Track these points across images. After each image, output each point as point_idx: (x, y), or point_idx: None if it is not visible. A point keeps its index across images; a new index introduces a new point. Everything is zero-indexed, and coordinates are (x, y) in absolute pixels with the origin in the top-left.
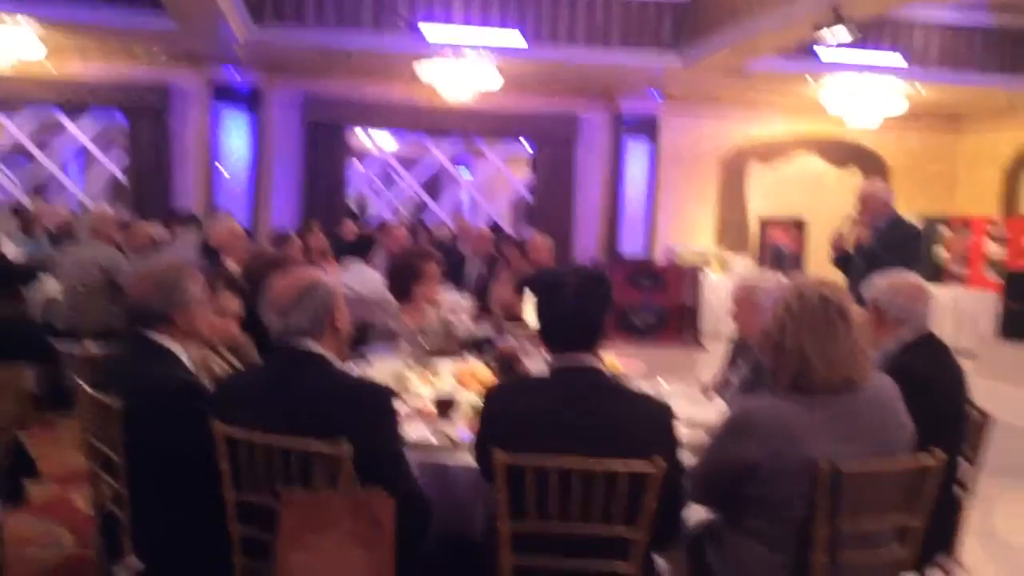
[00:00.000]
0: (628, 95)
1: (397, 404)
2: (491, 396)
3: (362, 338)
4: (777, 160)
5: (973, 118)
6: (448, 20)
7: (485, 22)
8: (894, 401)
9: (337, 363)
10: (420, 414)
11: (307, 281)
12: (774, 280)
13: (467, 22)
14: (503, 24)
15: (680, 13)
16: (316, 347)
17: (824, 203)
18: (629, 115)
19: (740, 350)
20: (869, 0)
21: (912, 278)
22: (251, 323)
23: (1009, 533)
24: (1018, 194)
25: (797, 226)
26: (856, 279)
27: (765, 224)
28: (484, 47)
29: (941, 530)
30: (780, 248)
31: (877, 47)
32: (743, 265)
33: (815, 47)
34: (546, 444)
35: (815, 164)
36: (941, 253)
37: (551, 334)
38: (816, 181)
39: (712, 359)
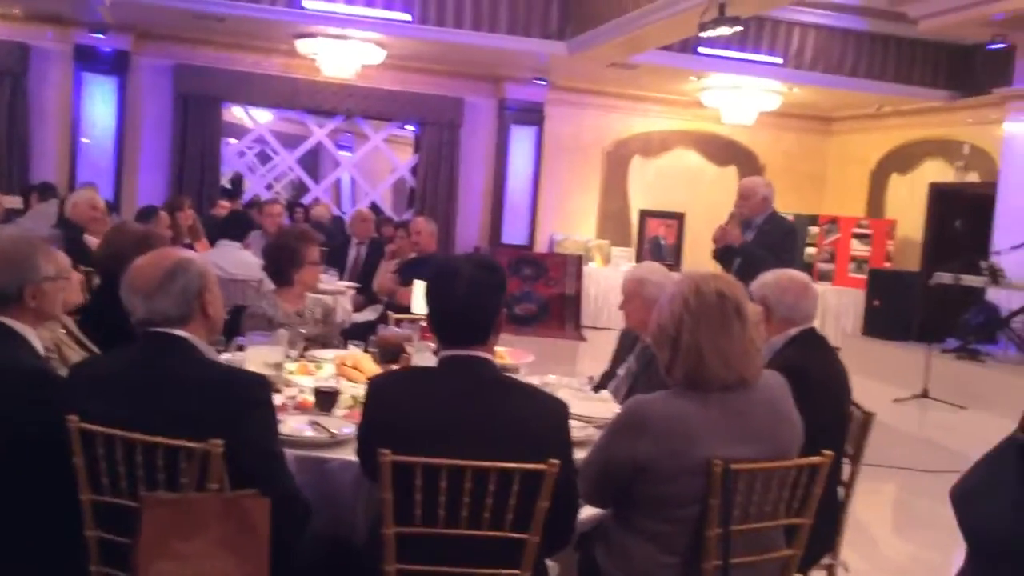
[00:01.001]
0: (514, 81)
1: (273, 395)
2: (375, 388)
3: (234, 323)
4: (658, 154)
5: (843, 120)
6: None
7: (371, 2)
8: (785, 399)
9: (207, 351)
10: (298, 406)
11: (174, 261)
12: (663, 273)
13: (351, 1)
14: (389, 6)
15: (568, 2)
16: (183, 333)
17: (702, 198)
18: (515, 101)
19: (627, 343)
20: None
21: (798, 275)
22: (109, 304)
23: (872, 524)
24: (883, 196)
25: (676, 219)
26: (735, 273)
27: (645, 216)
28: (369, 21)
29: (824, 529)
30: (659, 240)
31: (755, 47)
32: (624, 256)
33: (698, 45)
34: (435, 441)
35: (694, 159)
36: (810, 251)
37: (442, 326)
38: (695, 176)
39: (592, 349)
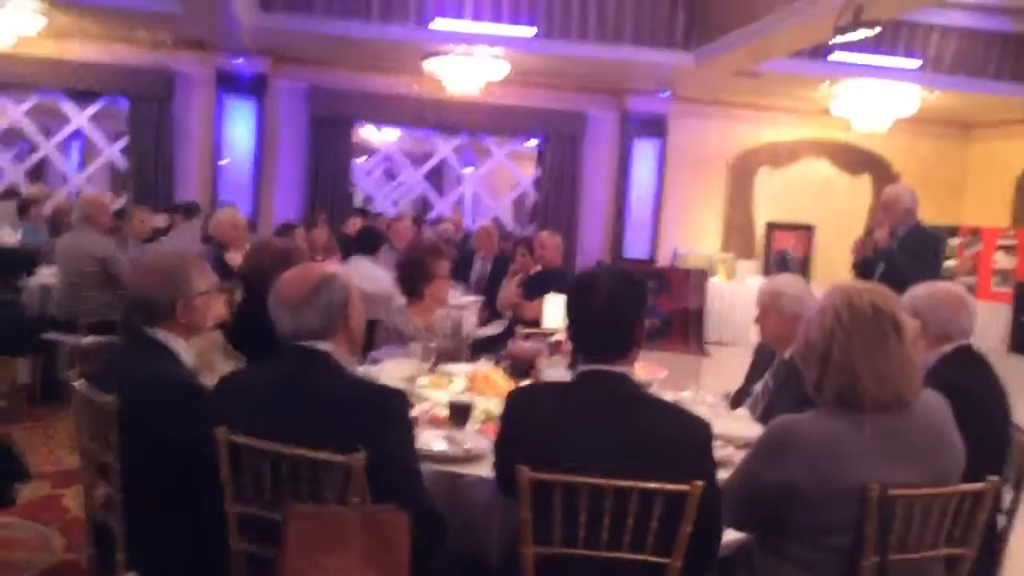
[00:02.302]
0: (637, 94)
1: (409, 404)
2: (514, 401)
3: (368, 338)
4: (786, 164)
5: (985, 125)
6: (459, 15)
7: (497, 18)
8: (946, 420)
9: (349, 365)
10: (432, 420)
11: (320, 275)
12: (801, 285)
13: (477, 18)
14: (515, 20)
15: (693, 10)
16: (327, 347)
17: (833, 208)
18: (637, 114)
19: (763, 359)
20: (887, 1)
21: (954, 288)
22: (253, 319)
23: None
24: None
25: (805, 231)
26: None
27: (772, 229)
28: (494, 38)
29: (982, 561)
30: (786, 253)
31: (891, 51)
32: (749, 270)
33: (829, 51)
34: (574, 458)
35: (824, 169)
36: (949, 263)
37: (581, 338)
38: (825, 186)
39: (716, 365)
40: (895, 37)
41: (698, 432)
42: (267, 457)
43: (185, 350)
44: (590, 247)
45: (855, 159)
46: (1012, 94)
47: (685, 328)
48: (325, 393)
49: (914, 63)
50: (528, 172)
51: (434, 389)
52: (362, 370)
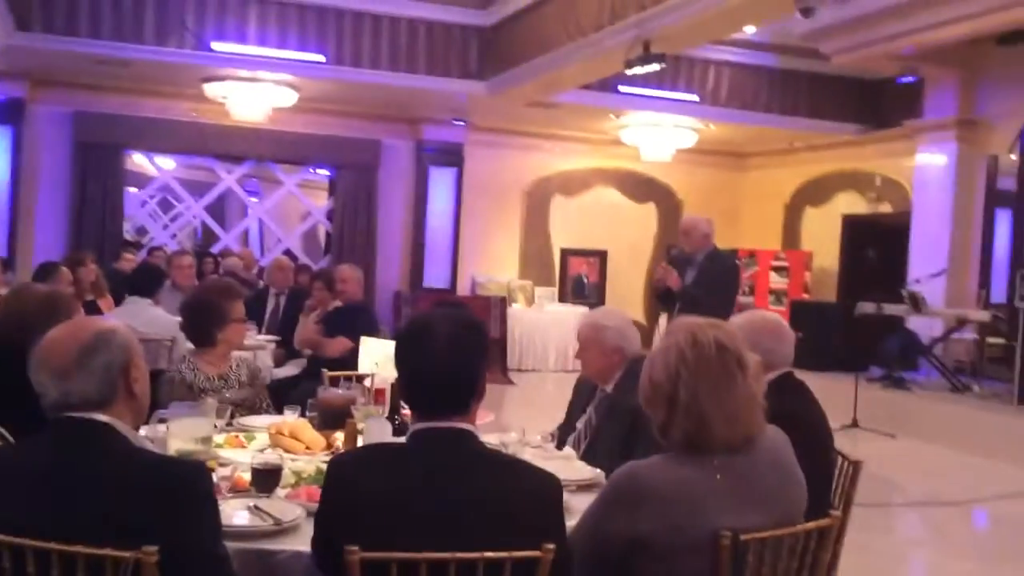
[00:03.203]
0: (432, 123)
1: (212, 480)
2: (336, 469)
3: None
4: (578, 192)
5: (758, 156)
6: (242, 40)
7: (283, 44)
8: (789, 455)
9: (133, 438)
10: (233, 487)
11: (94, 332)
12: (621, 317)
13: (262, 43)
14: (302, 47)
15: (487, 41)
16: (105, 418)
17: (623, 235)
18: (433, 143)
19: (585, 393)
20: (674, 37)
21: (771, 316)
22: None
23: None
24: (798, 228)
25: (598, 256)
26: (678, 313)
27: (567, 255)
28: (280, 62)
29: None
30: (582, 278)
31: (673, 85)
32: (547, 296)
33: (618, 83)
34: (412, 532)
35: (614, 197)
36: None
37: (416, 393)
38: (615, 214)
39: (521, 393)
40: (676, 72)
41: (548, 489)
42: (33, 556)
43: None
44: (388, 278)
45: (642, 187)
46: (780, 125)
47: (488, 357)
48: (106, 475)
49: (693, 96)
50: (320, 203)
51: (232, 449)
52: (146, 431)
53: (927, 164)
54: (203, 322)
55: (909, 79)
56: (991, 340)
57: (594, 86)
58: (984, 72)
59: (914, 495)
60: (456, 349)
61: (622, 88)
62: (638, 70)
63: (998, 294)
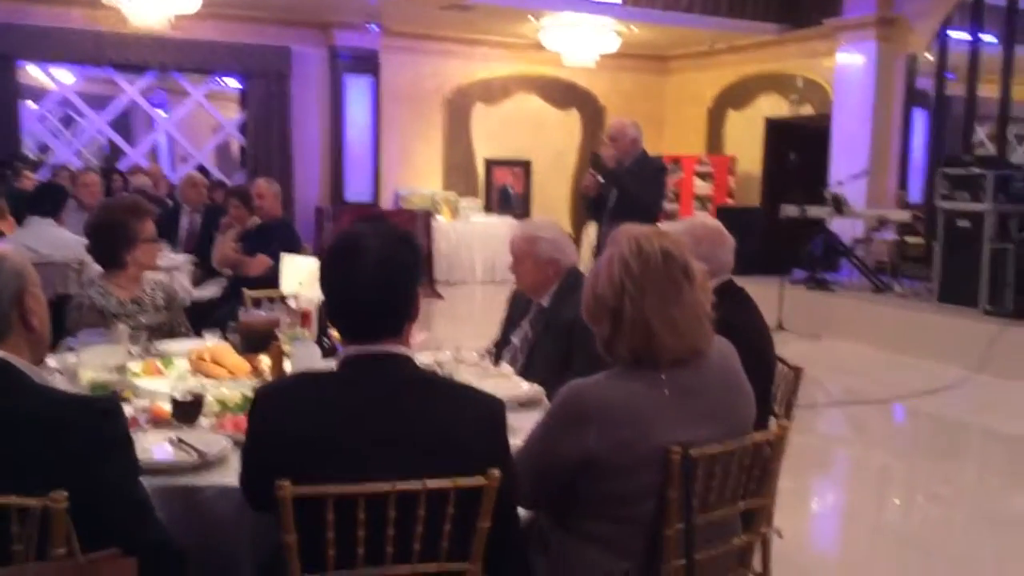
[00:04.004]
0: (345, 27)
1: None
2: (262, 400)
3: (58, 318)
4: (500, 100)
5: (679, 59)
6: None
7: None
8: (738, 369)
9: (34, 374)
10: (152, 418)
11: None
12: (556, 228)
13: None
14: None
15: None
16: (1, 354)
17: (547, 144)
18: (347, 49)
19: (520, 306)
20: None
21: (711, 221)
22: None
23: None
24: (721, 133)
25: (523, 167)
26: (609, 217)
27: (491, 165)
28: None
29: None
30: (507, 189)
31: None
32: (473, 208)
33: None
34: (347, 464)
35: (536, 104)
36: None
37: (345, 316)
38: (538, 122)
39: (450, 307)
40: None
41: (491, 413)
42: None
43: None
44: (308, 193)
45: (564, 94)
46: (702, 26)
47: None
48: (3, 416)
49: None
50: (232, 115)
51: (150, 378)
52: (54, 362)
53: (847, 64)
54: (110, 243)
55: None
56: (910, 240)
57: None
58: None
59: (837, 394)
60: (388, 267)
61: None
62: None
63: (916, 194)
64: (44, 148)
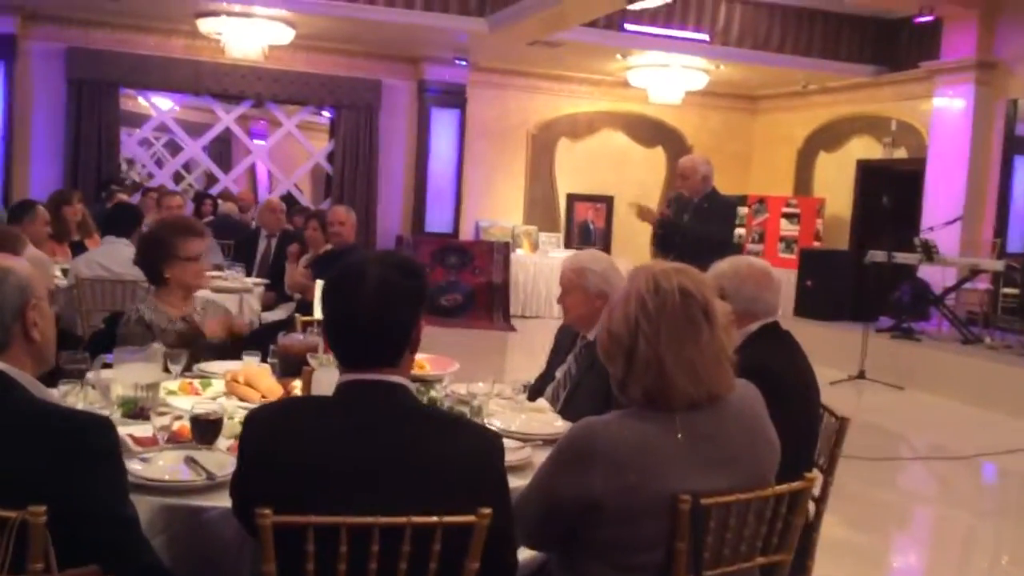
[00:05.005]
0: (434, 62)
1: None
2: (250, 425)
3: (110, 333)
4: (585, 136)
5: (770, 99)
6: None
7: None
8: (761, 415)
9: (30, 386)
10: (174, 436)
11: None
12: (607, 261)
13: None
14: None
15: None
16: (1, 366)
17: (630, 180)
18: (435, 83)
19: (566, 341)
20: None
21: (758, 262)
22: None
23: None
24: (811, 174)
25: (605, 203)
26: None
27: (573, 200)
28: None
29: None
30: (588, 224)
31: (682, 24)
32: (552, 242)
33: (624, 22)
34: (332, 494)
35: (621, 141)
36: (739, 231)
37: (341, 342)
38: (622, 158)
39: (523, 340)
40: (685, 9)
41: (486, 449)
42: None
43: None
44: (390, 222)
45: (650, 131)
46: (793, 66)
47: (490, 303)
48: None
49: (703, 36)
50: (322, 145)
51: (182, 396)
52: (92, 376)
53: (944, 108)
54: (151, 258)
55: (927, 18)
56: (1005, 290)
57: (599, 24)
58: (1003, 12)
59: (921, 449)
60: (387, 295)
61: (628, 27)
62: (642, 4)
63: (1014, 243)
64: (150, 174)
